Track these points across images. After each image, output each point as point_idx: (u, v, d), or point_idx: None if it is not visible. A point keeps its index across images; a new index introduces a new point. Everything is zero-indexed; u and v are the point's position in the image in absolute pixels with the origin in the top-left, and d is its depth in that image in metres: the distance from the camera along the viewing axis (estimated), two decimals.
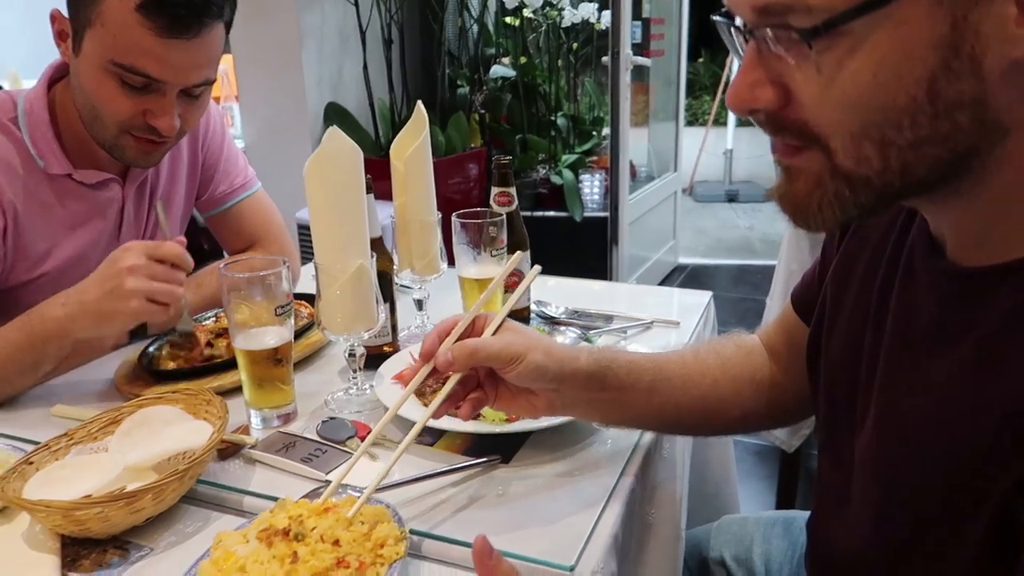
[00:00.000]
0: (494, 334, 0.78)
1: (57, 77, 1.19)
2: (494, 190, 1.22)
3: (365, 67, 3.14)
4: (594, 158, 3.87)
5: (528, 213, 3.61)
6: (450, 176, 3.31)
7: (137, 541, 0.77)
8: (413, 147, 1.15)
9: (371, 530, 0.69)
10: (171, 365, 1.07)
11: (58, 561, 0.72)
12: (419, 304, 1.24)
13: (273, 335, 0.95)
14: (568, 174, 3.62)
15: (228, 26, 1.14)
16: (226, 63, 3.28)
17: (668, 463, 0.99)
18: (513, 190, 1.22)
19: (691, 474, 1.12)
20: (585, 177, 3.76)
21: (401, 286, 1.32)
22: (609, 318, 1.29)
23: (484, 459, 0.87)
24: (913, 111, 0.47)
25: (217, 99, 3.44)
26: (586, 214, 3.58)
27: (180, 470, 0.76)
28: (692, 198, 6.21)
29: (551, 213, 3.60)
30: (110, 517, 0.73)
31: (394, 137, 1.20)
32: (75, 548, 0.75)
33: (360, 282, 0.96)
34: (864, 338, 0.65)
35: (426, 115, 1.16)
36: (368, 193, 1.07)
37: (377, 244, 1.10)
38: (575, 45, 3.95)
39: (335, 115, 3.09)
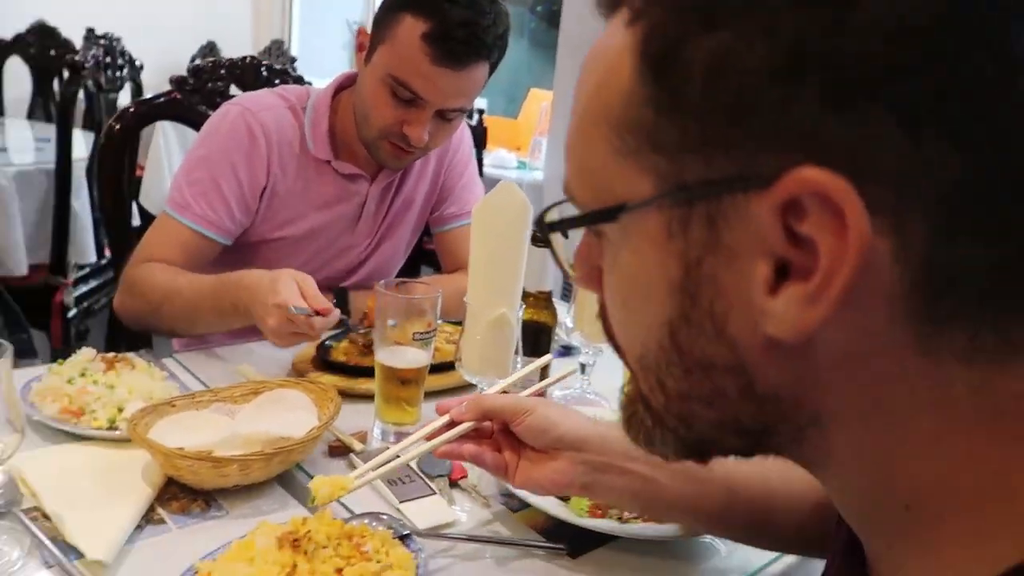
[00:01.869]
0: None
1: (343, 86, 1.38)
2: None
3: None
4: None
5: None
6: None
7: (221, 501, 0.86)
8: None
9: (381, 571, 0.70)
10: (340, 357, 1.18)
11: (152, 494, 0.83)
12: (582, 367, 1.22)
13: (408, 357, 1.00)
14: None
15: (493, 67, 1.26)
16: (546, 100, 3.51)
17: None
18: None
19: None
20: None
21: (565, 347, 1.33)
22: None
23: (546, 544, 0.83)
24: (664, 359, 0.37)
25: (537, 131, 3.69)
26: None
27: (266, 453, 0.83)
28: None
29: None
30: (199, 472, 0.82)
31: None
32: (175, 488, 0.86)
33: (500, 330, 0.97)
34: None
35: None
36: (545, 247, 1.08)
37: (541, 299, 1.10)
38: None
39: None
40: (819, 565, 0.49)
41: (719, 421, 0.37)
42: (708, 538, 0.86)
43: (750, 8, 0.30)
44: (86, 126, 2.99)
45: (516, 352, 1.00)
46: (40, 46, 3.47)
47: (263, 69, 1.63)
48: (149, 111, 1.55)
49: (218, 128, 1.32)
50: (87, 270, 2.66)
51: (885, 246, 0.30)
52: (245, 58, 1.63)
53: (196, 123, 1.48)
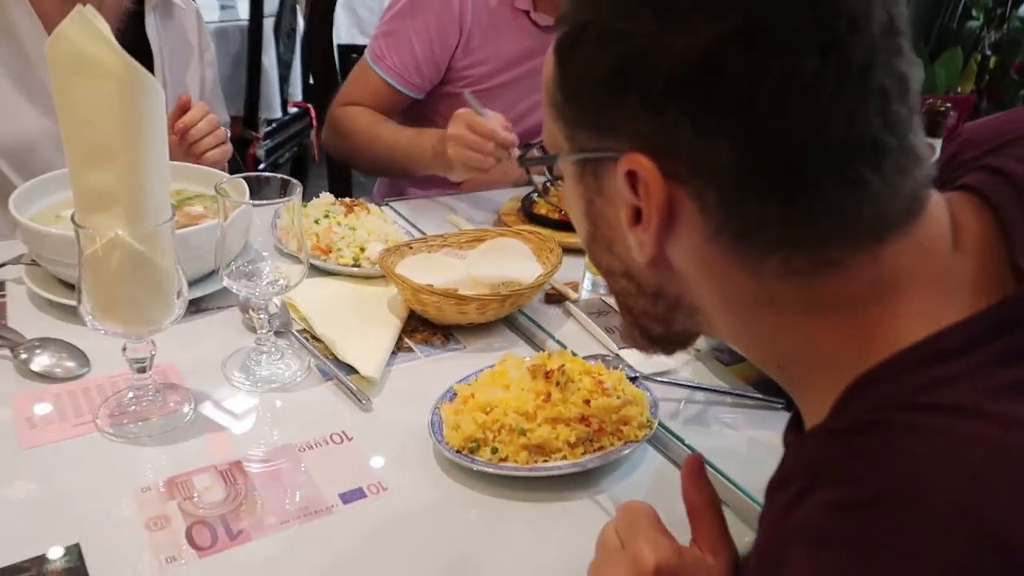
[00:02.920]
0: None
1: None
2: None
3: None
4: None
5: None
6: None
7: (458, 336, 0.94)
8: None
9: (623, 406, 0.75)
10: (542, 211, 1.22)
11: (399, 325, 0.92)
12: None
13: None
14: None
15: None
16: None
17: None
18: None
19: None
20: None
21: None
22: None
23: (764, 398, 0.86)
24: (597, 264, 0.53)
25: None
26: None
27: (502, 294, 0.89)
28: None
29: None
30: (442, 308, 0.90)
31: None
32: (417, 323, 0.95)
33: None
34: None
35: None
36: None
37: None
38: None
39: None
40: None
41: (639, 310, 0.52)
42: None
43: (592, 33, 0.43)
44: None
45: None
46: None
47: None
48: None
49: None
50: (274, 125, 2.82)
51: (692, 205, 0.43)
52: None
53: None
